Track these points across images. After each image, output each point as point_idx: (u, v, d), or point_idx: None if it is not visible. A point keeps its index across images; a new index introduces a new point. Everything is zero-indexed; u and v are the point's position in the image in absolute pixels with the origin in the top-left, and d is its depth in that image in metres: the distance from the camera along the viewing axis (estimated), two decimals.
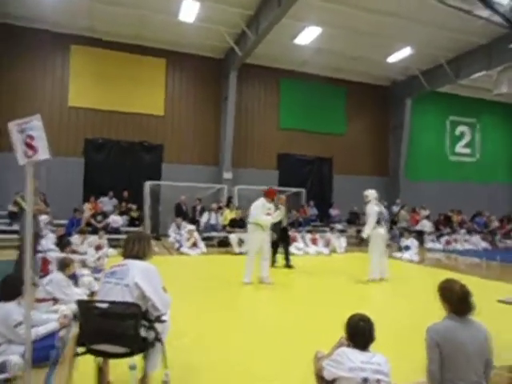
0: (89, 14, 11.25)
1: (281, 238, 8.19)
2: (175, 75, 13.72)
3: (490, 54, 12.23)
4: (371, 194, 7.04)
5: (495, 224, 15.14)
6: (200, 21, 11.35)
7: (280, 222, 7.91)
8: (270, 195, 6.73)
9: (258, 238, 6.49)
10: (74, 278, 5.24)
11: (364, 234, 7.03)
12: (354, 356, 2.17)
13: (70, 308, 4.01)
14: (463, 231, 13.27)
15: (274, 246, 8.11)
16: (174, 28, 11.95)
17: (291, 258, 8.46)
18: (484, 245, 13.03)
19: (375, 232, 6.93)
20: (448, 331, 2.29)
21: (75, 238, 7.82)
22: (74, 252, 6.58)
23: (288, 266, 8.21)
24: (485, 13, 8.66)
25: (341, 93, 15.81)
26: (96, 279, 5.86)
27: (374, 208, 6.97)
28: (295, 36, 12.14)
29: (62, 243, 6.17)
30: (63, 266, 4.59)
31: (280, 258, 8.38)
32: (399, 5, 9.72)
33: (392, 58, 13.63)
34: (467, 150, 18.21)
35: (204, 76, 13.96)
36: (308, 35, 12.00)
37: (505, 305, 3.06)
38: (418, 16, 10.70)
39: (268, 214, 6.54)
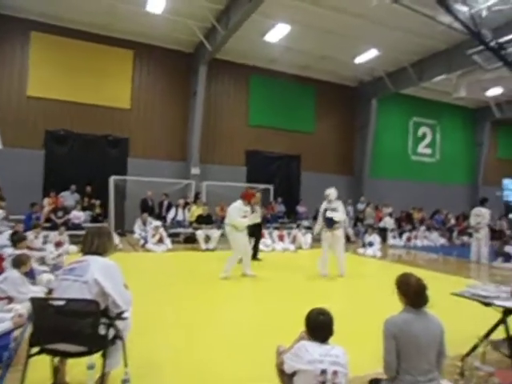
0: (51, 1, 10.74)
1: (253, 232, 8.34)
2: (143, 68, 13.38)
3: (450, 58, 12.77)
4: (333, 192, 7.15)
5: (452, 222, 15.90)
6: (168, 13, 11.12)
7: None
8: (247, 198, 6.80)
9: (242, 239, 6.67)
10: (32, 276, 5.02)
11: (315, 232, 7.39)
12: (312, 349, 2.22)
13: (25, 307, 3.83)
14: (423, 228, 13.83)
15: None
16: (141, 19, 11.64)
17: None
18: (442, 241, 13.64)
19: (322, 231, 7.14)
20: (404, 323, 2.38)
21: (29, 234, 7.47)
22: (29, 248, 6.28)
23: (255, 258, 8.36)
24: (447, 19, 9.04)
25: (310, 91, 16.02)
26: (56, 277, 5.65)
27: (322, 206, 7.17)
28: (265, 33, 12.15)
29: (15, 239, 5.85)
30: (19, 263, 4.38)
31: None
32: (367, 7, 9.93)
33: (359, 59, 13.95)
34: (428, 151, 18.99)
35: (173, 70, 13.71)
36: (277, 33, 12.04)
37: (458, 297, 3.22)
38: (384, 19, 11.00)
39: (244, 217, 6.62)
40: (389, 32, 11.79)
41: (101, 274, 2.42)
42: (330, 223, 7.00)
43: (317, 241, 11.50)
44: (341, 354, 2.24)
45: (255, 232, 8.39)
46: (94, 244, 2.62)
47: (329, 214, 6.99)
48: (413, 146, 18.53)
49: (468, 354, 3.19)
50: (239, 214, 6.57)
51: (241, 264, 6.81)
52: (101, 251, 2.62)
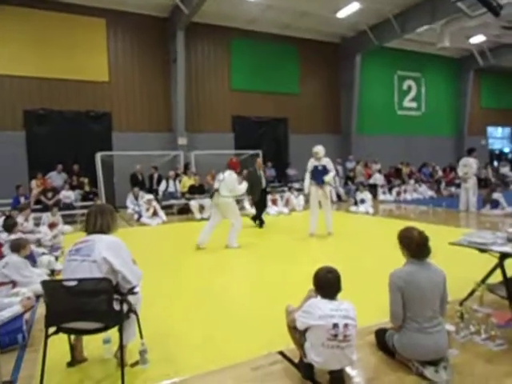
0: None
1: (261, 200, 8.73)
2: (117, 37, 12.77)
3: (433, 7, 12.46)
4: (321, 150, 7.16)
5: (440, 173, 16.19)
6: None
7: (260, 185, 8.57)
8: (236, 167, 6.76)
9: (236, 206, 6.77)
10: (32, 259, 5.02)
11: (305, 190, 7.43)
12: (323, 305, 2.32)
13: (31, 290, 3.87)
14: (412, 182, 14.06)
15: (258, 208, 8.78)
16: None
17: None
18: (430, 193, 13.92)
19: (311, 188, 7.19)
20: (409, 275, 2.48)
21: (18, 218, 7.38)
22: (21, 232, 6.24)
23: (260, 222, 8.67)
24: None
25: (293, 51, 15.60)
26: (56, 258, 5.67)
27: (310, 163, 7.20)
28: None
29: (7, 224, 5.79)
30: (18, 247, 4.36)
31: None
32: None
33: (341, 14, 13.52)
34: (414, 104, 18.95)
35: (149, 37, 13.12)
36: None
37: (455, 246, 3.33)
38: None
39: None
40: None
41: (109, 252, 2.42)
42: (320, 180, 7.09)
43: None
44: (350, 308, 2.34)
45: (262, 198, 8.78)
46: (97, 223, 2.60)
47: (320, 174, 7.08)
48: (398, 100, 18.44)
49: (466, 298, 3.36)
50: (238, 183, 6.64)
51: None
52: (105, 229, 2.61)
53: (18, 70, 11.26)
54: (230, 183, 6.42)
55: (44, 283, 2.46)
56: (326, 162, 7.15)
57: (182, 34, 12.63)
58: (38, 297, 3.83)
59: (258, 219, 8.72)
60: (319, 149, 7.18)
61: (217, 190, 6.46)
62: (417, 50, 17.76)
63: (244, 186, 6.78)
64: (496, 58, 17.88)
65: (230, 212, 6.54)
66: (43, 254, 5.57)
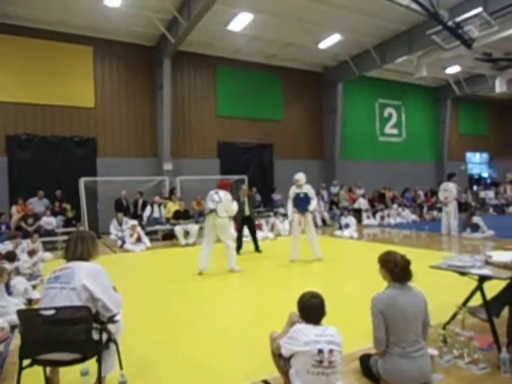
0: None
1: (247, 226, 8.68)
2: (104, 64, 12.94)
3: (410, 40, 13.11)
4: (302, 177, 7.23)
5: (422, 198, 16.51)
6: (127, 6, 10.80)
7: (242, 212, 8.38)
8: (227, 186, 6.80)
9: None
10: (7, 288, 4.85)
11: (289, 218, 7.40)
12: (308, 331, 2.30)
13: (6, 320, 3.72)
14: (395, 206, 14.28)
15: (238, 234, 8.68)
16: (99, 13, 11.22)
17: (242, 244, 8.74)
18: (413, 217, 14.15)
19: (294, 216, 7.22)
20: (391, 299, 2.50)
21: (7, 245, 7.20)
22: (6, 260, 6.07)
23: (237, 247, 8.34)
24: (405, 1, 9.26)
25: (276, 79, 16.04)
26: (33, 287, 5.49)
27: (292, 190, 7.26)
28: (228, 22, 12.02)
29: None
30: None
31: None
32: None
33: (323, 44, 14.07)
34: (395, 131, 19.52)
35: (136, 64, 13.34)
36: (240, 21, 11.95)
37: (436, 270, 3.38)
38: (345, 3, 11.12)
39: None
40: (350, 16, 11.93)
41: (88, 279, 2.38)
42: (304, 207, 7.13)
43: None
44: (335, 334, 2.33)
45: (250, 225, 8.67)
46: (77, 250, 2.55)
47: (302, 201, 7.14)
48: (380, 126, 18.99)
49: (449, 322, 3.38)
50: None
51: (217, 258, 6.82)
52: (85, 256, 2.56)
53: (3, 95, 11.25)
54: (227, 203, 6.44)
55: (20, 312, 2.38)
56: (307, 189, 7.22)
57: (169, 61, 12.89)
58: (13, 328, 3.68)
59: (238, 245, 8.41)
60: (300, 176, 7.25)
61: (212, 211, 6.38)
62: (396, 79, 18.49)
63: (235, 205, 6.77)
64: (471, 87, 18.73)
65: (227, 232, 6.52)
66: (20, 282, 5.37)
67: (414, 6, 9.13)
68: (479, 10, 9.26)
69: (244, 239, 8.92)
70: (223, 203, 6.38)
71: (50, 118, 11.94)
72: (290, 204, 7.31)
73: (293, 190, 7.27)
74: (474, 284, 3.21)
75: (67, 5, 10.74)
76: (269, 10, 11.48)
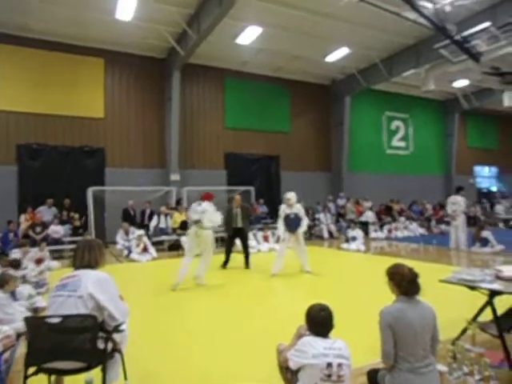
0: (18, 11, 10.42)
1: (240, 239, 8.36)
2: (115, 76, 13.17)
3: (418, 53, 13.18)
4: (293, 196, 7.22)
5: (430, 211, 16.37)
6: (138, 20, 11.01)
7: (231, 223, 8.13)
8: (210, 198, 6.73)
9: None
10: (13, 295, 4.87)
11: (281, 237, 7.30)
12: (316, 343, 2.27)
13: (13, 327, 3.73)
14: (403, 219, 14.17)
15: (228, 245, 8.32)
16: (111, 27, 11.47)
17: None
18: (421, 231, 14.01)
19: (285, 234, 7.16)
20: (399, 312, 2.46)
21: (15, 253, 7.26)
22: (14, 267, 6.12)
23: (224, 262, 8.13)
24: (412, 15, 9.33)
25: (284, 92, 16.16)
26: (40, 294, 5.51)
27: (282, 209, 7.24)
28: (236, 36, 12.20)
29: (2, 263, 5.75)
30: (2, 282, 4.25)
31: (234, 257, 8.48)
32: (335, 7, 10.14)
33: (330, 58, 14.19)
34: (402, 144, 19.48)
35: (146, 76, 13.55)
36: (249, 35, 12.12)
37: (445, 284, 3.33)
38: (353, 18, 11.23)
39: None
40: (358, 30, 12.05)
41: (95, 288, 2.38)
42: (294, 228, 7.09)
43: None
44: (343, 347, 2.30)
45: (243, 239, 8.32)
46: (84, 258, 2.57)
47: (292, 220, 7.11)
48: (387, 139, 18.96)
49: (458, 338, 3.32)
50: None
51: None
52: (92, 264, 2.58)
53: (16, 106, 11.48)
54: (212, 214, 6.42)
55: (27, 320, 2.39)
56: (298, 209, 7.19)
57: (178, 73, 13.08)
58: (19, 335, 3.68)
59: (226, 259, 8.18)
60: (291, 195, 7.24)
61: (197, 222, 6.35)
62: (404, 92, 18.53)
63: (219, 216, 6.66)
64: (479, 100, 18.67)
65: (210, 244, 6.46)
66: (26, 290, 5.38)
67: (422, 20, 9.19)
68: (487, 24, 9.29)
69: (250, 251, 8.76)
70: (208, 213, 6.36)
71: (60, 128, 12.13)
72: (280, 223, 7.25)
73: (283, 210, 7.24)
74: (484, 299, 3.16)
75: (80, 18, 10.99)
76: (277, 24, 11.64)
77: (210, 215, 6.38)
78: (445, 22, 9.55)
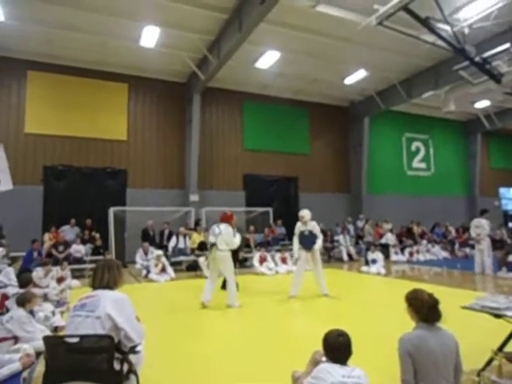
0: (47, 39, 11.04)
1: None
2: (138, 100, 13.64)
3: (437, 75, 13.14)
4: (307, 214, 7.15)
5: (453, 234, 15.91)
6: (161, 46, 11.46)
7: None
8: (230, 219, 6.70)
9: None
10: (33, 314, 4.94)
11: (295, 255, 7.17)
12: (334, 371, 2.20)
13: (32, 346, 3.78)
14: (425, 242, 13.81)
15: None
16: (135, 53, 11.97)
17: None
18: (444, 254, 13.60)
19: (300, 252, 7.04)
20: (419, 340, 2.38)
21: (38, 271, 7.42)
22: (34, 285, 6.22)
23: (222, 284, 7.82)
24: (431, 38, 9.37)
25: (303, 114, 16.32)
26: (60, 313, 5.58)
27: (297, 227, 7.14)
28: (256, 60, 12.50)
29: (23, 280, 5.74)
30: (24, 301, 4.33)
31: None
32: (353, 31, 10.29)
33: (349, 80, 14.30)
34: (423, 165, 19.19)
35: (167, 100, 13.98)
36: (268, 59, 12.40)
37: (469, 311, 3.21)
38: (371, 41, 11.35)
39: None
40: (376, 53, 12.16)
41: (113, 308, 2.41)
42: (309, 245, 6.99)
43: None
44: (362, 375, 2.23)
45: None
46: (104, 278, 2.61)
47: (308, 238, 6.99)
48: (407, 160, 18.74)
49: (484, 369, 3.16)
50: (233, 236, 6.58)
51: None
52: (111, 285, 2.62)
53: (44, 129, 12.02)
54: (227, 236, 6.40)
55: (45, 339, 2.43)
56: (312, 226, 7.09)
57: (198, 97, 13.44)
58: (38, 354, 3.73)
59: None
60: (305, 213, 7.16)
61: (213, 245, 6.38)
62: (424, 113, 18.40)
63: (238, 238, 6.69)
64: (502, 121, 18.32)
65: (226, 266, 6.41)
66: (46, 309, 5.46)
67: (440, 42, 9.21)
68: (507, 45, 9.22)
69: (268, 272, 8.58)
70: (223, 236, 6.35)
71: (84, 150, 12.56)
72: (295, 241, 7.16)
73: (298, 227, 7.17)
74: (510, 327, 3.02)
75: (106, 46, 11.53)
76: (295, 49, 11.89)
77: (225, 237, 6.39)
78: (464, 44, 9.53)
